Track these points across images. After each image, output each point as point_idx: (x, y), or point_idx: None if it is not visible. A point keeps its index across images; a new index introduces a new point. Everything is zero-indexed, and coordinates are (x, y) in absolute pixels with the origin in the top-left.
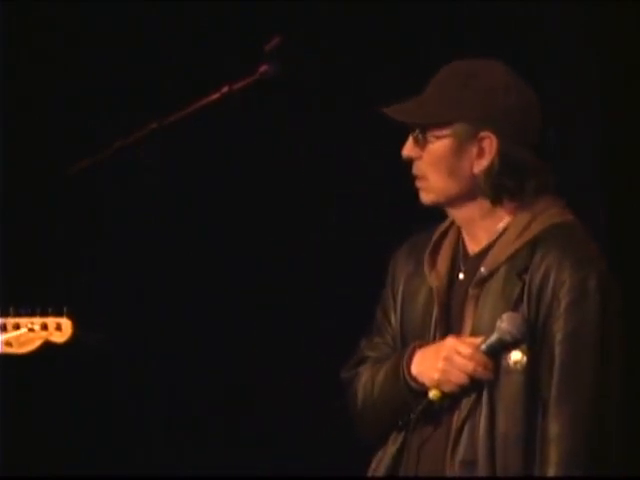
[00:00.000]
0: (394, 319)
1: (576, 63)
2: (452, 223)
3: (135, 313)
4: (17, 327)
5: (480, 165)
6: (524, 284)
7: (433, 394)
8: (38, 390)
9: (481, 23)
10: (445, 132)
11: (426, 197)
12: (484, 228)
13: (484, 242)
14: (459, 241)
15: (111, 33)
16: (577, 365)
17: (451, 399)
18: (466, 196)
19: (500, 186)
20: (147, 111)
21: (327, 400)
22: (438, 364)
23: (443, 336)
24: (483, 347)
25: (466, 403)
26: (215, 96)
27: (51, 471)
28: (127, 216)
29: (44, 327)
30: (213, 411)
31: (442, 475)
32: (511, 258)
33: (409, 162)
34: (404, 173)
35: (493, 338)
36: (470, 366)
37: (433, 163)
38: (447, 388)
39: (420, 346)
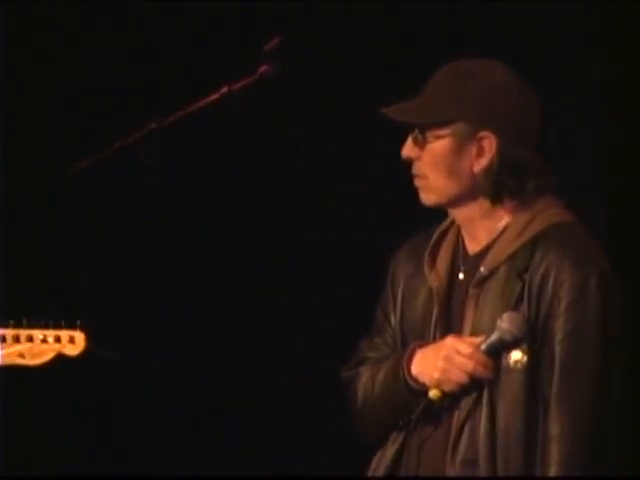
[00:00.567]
0: (394, 320)
1: (576, 63)
2: (452, 223)
3: (135, 313)
4: (30, 339)
5: (480, 164)
6: (524, 284)
7: (433, 393)
8: (38, 390)
9: (481, 23)
10: (445, 132)
11: (426, 198)
12: (484, 228)
13: (484, 242)
14: (459, 241)
15: (111, 33)
16: (577, 364)
17: (451, 398)
18: (466, 196)
19: (500, 185)
20: (147, 111)
21: (327, 400)
22: (438, 363)
23: (443, 336)
24: (483, 346)
25: (466, 403)
26: (215, 96)
27: (51, 471)
28: (127, 216)
29: (57, 339)
30: (213, 411)
31: (443, 475)
32: (511, 258)
33: (408, 162)
34: (404, 173)
35: (494, 337)
36: (470, 365)
37: (433, 163)
38: (447, 387)
39: (420, 346)
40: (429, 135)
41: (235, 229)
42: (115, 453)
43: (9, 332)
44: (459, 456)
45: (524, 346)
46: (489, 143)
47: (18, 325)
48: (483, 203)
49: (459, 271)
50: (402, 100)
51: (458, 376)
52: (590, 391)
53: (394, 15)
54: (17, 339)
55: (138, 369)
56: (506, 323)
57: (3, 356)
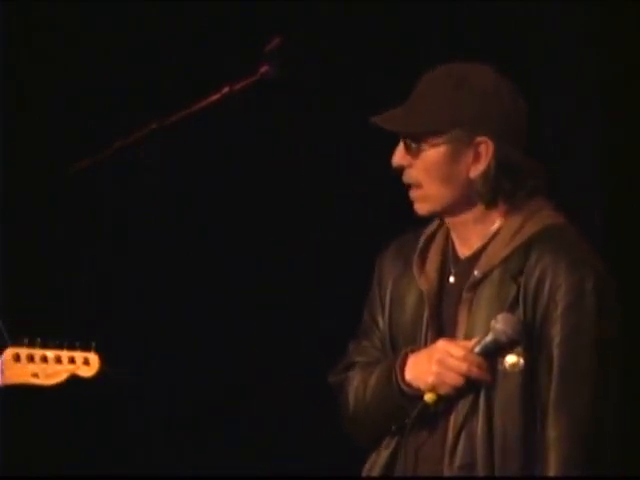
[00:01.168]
0: (382, 322)
1: (576, 63)
2: (439, 225)
3: (135, 313)
4: (44, 359)
5: (477, 170)
6: (519, 287)
7: (429, 397)
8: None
9: (481, 23)
10: (440, 139)
11: (421, 208)
12: (476, 231)
13: (475, 245)
14: (448, 244)
15: (111, 33)
16: (575, 368)
17: (447, 402)
18: (461, 202)
19: (497, 189)
20: (147, 111)
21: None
22: (432, 368)
23: (435, 339)
24: (478, 348)
25: (463, 407)
26: (215, 96)
27: (51, 471)
28: (127, 216)
29: (71, 360)
30: (213, 411)
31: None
32: (505, 261)
33: (399, 170)
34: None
35: (488, 339)
36: (464, 367)
37: (427, 170)
38: (443, 390)
39: (412, 351)
40: (423, 143)
41: (235, 229)
42: (115, 453)
43: (23, 351)
44: (457, 461)
45: (520, 349)
46: (486, 148)
47: (32, 344)
48: (477, 207)
49: (449, 274)
50: (390, 107)
51: (453, 379)
52: (588, 394)
53: (394, 15)
54: (31, 358)
55: (138, 369)
56: (501, 324)
57: (17, 375)
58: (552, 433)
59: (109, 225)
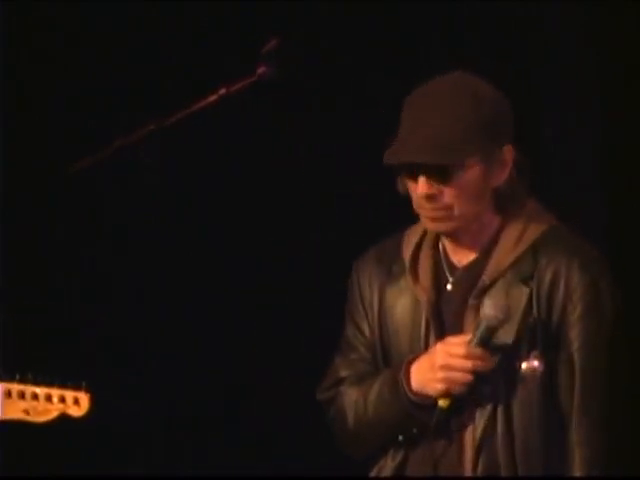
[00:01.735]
0: (368, 329)
1: (576, 63)
2: (423, 234)
3: (135, 313)
4: (35, 396)
5: (500, 178)
6: (531, 290)
7: (443, 403)
8: None
9: (481, 23)
10: (474, 159)
11: (444, 227)
12: (473, 239)
13: (472, 252)
14: (439, 252)
15: (111, 33)
16: (598, 370)
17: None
18: (480, 213)
19: (515, 193)
20: (147, 111)
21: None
22: (437, 375)
23: None
24: (475, 342)
25: (481, 416)
26: (212, 97)
27: (51, 471)
28: (127, 216)
29: (62, 399)
30: (213, 411)
31: None
32: (513, 266)
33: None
34: None
35: (482, 328)
36: (469, 364)
37: (462, 192)
38: (456, 391)
39: (412, 360)
40: (455, 167)
41: (235, 229)
42: (115, 453)
43: (15, 387)
44: (480, 471)
45: (538, 353)
46: (509, 155)
47: (23, 380)
48: (485, 215)
49: (446, 282)
50: (397, 144)
51: (462, 378)
52: (612, 395)
53: (394, 15)
54: (22, 395)
55: (138, 369)
56: (490, 310)
57: (8, 412)
58: (576, 435)
59: (109, 225)
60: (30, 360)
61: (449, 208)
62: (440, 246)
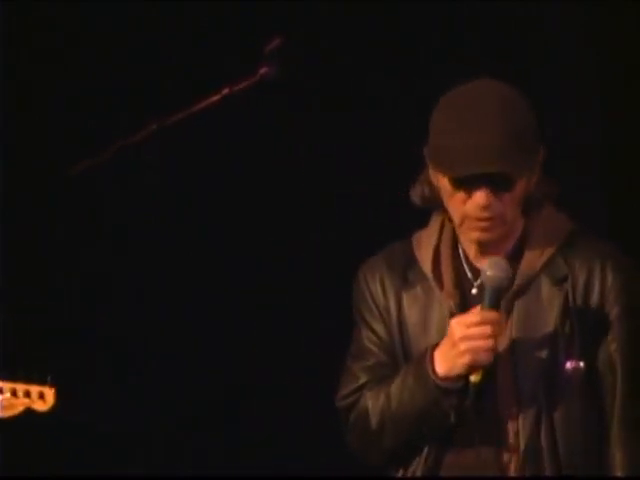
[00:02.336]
0: (384, 333)
1: (576, 63)
2: (439, 240)
3: (135, 313)
4: (0, 391)
5: (534, 180)
6: (566, 292)
7: (475, 377)
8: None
9: (481, 23)
10: (536, 165)
11: (495, 235)
12: (496, 242)
13: (498, 255)
14: (458, 256)
15: (111, 33)
16: (638, 370)
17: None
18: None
19: (544, 196)
20: (147, 111)
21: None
22: (460, 348)
23: None
24: (485, 305)
25: (524, 422)
26: (215, 97)
27: (51, 471)
28: (127, 216)
29: (27, 394)
30: (213, 411)
31: None
32: (544, 269)
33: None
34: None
35: (489, 291)
36: (488, 329)
37: (514, 200)
38: (483, 361)
39: (434, 347)
40: (514, 176)
41: (235, 229)
42: (115, 453)
43: None
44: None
45: (578, 353)
46: (542, 155)
47: None
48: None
49: (470, 287)
50: (444, 152)
51: (484, 344)
52: None
53: (394, 15)
54: None
55: (138, 369)
56: (492, 271)
57: None
58: (617, 435)
59: (109, 225)
60: (30, 360)
61: (501, 217)
62: (460, 251)
